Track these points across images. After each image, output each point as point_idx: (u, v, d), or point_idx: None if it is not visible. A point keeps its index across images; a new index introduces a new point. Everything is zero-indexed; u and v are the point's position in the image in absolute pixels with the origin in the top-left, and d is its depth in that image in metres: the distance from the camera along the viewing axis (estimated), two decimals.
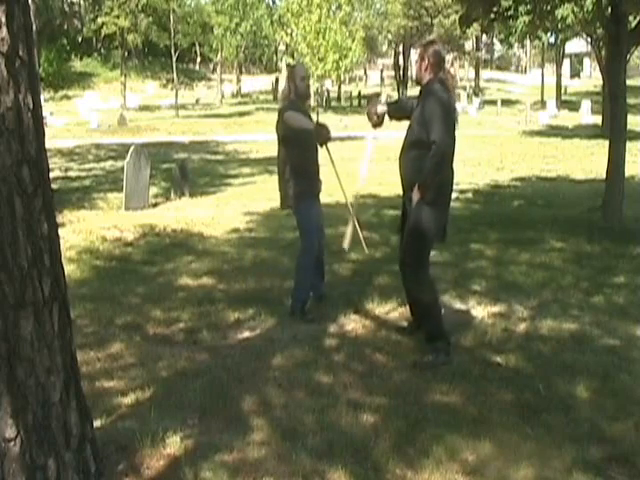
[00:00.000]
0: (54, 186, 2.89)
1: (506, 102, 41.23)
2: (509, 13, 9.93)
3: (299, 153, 4.94)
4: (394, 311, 5.09)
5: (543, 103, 39.70)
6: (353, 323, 4.86)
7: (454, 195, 11.37)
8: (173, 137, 25.63)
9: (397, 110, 4.55)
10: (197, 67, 57.54)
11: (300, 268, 5.09)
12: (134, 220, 8.89)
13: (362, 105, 41.54)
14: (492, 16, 9.64)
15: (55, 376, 2.52)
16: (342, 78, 41.49)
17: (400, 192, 4.46)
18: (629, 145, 9.04)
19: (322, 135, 4.63)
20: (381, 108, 4.51)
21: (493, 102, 40.92)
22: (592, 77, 56.50)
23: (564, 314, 5.03)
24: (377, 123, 4.57)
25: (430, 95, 4.16)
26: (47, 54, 44.95)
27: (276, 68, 53.52)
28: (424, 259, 4.26)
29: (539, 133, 27.10)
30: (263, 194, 11.56)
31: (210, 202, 10.82)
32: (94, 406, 3.12)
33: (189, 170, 11.94)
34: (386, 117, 4.58)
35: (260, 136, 25.47)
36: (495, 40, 54.85)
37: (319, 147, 4.91)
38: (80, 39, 49.82)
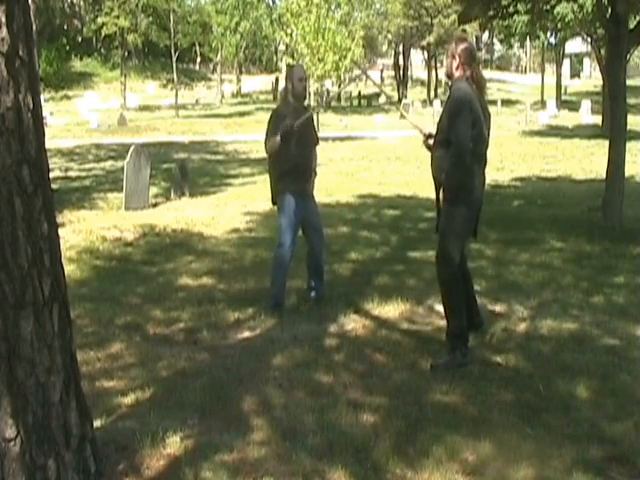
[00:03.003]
0: (54, 186, 2.89)
1: (506, 102, 41.23)
2: (508, 11, 9.93)
3: (281, 151, 5.10)
4: (394, 311, 5.09)
5: (543, 103, 39.71)
6: (353, 323, 4.86)
7: None
8: (173, 137, 25.64)
9: None
10: (197, 67, 57.52)
11: (274, 263, 5.27)
12: (134, 220, 8.89)
13: (362, 105, 41.57)
14: (491, 13, 9.63)
15: (55, 376, 2.52)
16: (342, 78, 41.51)
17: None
18: (629, 145, 9.04)
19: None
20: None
21: (493, 102, 40.86)
22: (592, 77, 56.52)
23: (564, 314, 5.03)
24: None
25: (453, 93, 4.15)
26: (47, 54, 44.95)
27: (276, 68, 53.54)
28: (451, 258, 4.18)
29: (539, 133, 27.11)
30: (263, 194, 11.51)
31: (210, 202, 10.82)
32: (94, 406, 3.12)
33: (189, 170, 11.95)
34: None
35: (260, 136, 25.39)
36: (495, 40, 54.89)
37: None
38: (80, 39, 49.83)
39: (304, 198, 5.21)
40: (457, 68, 4.16)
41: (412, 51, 49.83)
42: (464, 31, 39.25)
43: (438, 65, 50.71)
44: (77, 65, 52.03)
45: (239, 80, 51.89)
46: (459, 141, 3.98)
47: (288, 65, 40.94)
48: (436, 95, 46.54)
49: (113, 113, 33.12)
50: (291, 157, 5.07)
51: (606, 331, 4.68)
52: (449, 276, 4.21)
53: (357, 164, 15.94)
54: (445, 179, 4.09)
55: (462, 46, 4.18)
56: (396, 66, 48.23)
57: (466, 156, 4.00)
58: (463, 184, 4.08)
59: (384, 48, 58.30)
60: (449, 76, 4.26)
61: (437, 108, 36.78)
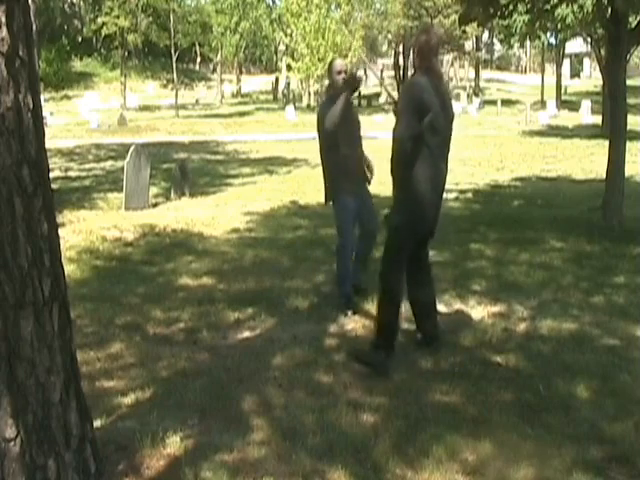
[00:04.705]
0: (54, 186, 2.89)
1: (506, 102, 41.23)
2: (508, 11, 9.92)
3: (335, 150, 5.07)
4: None
5: (543, 103, 39.70)
6: (353, 323, 4.86)
7: (453, 195, 11.44)
8: (173, 137, 25.62)
9: None
10: (197, 67, 57.52)
11: (338, 262, 5.26)
12: (134, 220, 8.89)
13: (362, 105, 41.55)
14: (491, 12, 9.63)
15: (55, 376, 2.52)
16: None
17: None
18: (629, 145, 9.03)
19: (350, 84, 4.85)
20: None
21: (493, 102, 40.92)
22: (592, 77, 56.50)
23: (564, 314, 5.03)
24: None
25: (404, 87, 4.12)
26: (47, 54, 44.92)
27: (276, 68, 53.52)
28: (395, 258, 4.11)
29: (539, 133, 27.10)
30: (263, 194, 11.57)
31: (210, 202, 10.81)
32: (94, 406, 3.12)
33: (189, 170, 11.94)
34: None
35: (260, 136, 25.48)
36: (495, 40, 54.88)
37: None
38: (80, 39, 49.84)
39: (358, 196, 5.17)
40: (415, 61, 4.12)
41: (412, 51, 49.78)
42: (464, 31, 39.25)
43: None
44: (77, 65, 52.02)
45: (239, 80, 51.89)
46: (401, 138, 3.96)
47: (288, 65, 40.87)
48: None
49: (113, 113, 33.12)
50: (342, 156, 5.06)
51: (606, 331, 4.68)
52: (389, 282, 4.09)
53: None
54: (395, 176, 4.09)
55: (421, 39, 4.13)
56: (396, 66, 48.19)
57: (404, 151, 3.96)
58: (421, 182, 4.00)
59: (384, 48, 58.30)
60: (414, 68, 4.24)
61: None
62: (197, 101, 45.00)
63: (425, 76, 4.06)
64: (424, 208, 4.09)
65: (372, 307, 5.14)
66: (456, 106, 38.90)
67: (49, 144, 3.20)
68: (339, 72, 5.08)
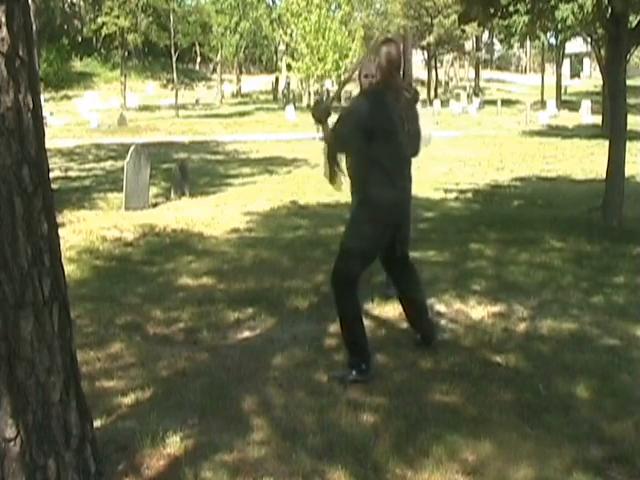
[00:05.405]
0: (54, 186, 2.89)
1: (506, 102, 41.26)
2: (508, 10, 9.93)
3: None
4: (394, 311, 5.09)
5: (543, 103, 39.73)
6: None
7: (453, 195, 11.42)
8: (173, 137, 25.63)
9: None
10: (197, 67, 57.53)
11: None
12: (134, 220, 8.89)
13: None
14: (491, 11, 9.64)
15: (55, 376, 2.52)
16: (342, 78, 41.56)
17: None
18: (629, 145, 9.04)
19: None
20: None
21: (493, 102, 40.95)
22: (592, 77, 56.53)
23: (564, 314, 5.03)
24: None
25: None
26: (47, 54, 44.95)
27: (276, 68, 53.54)
28: (347, 270, 3.95)
29: (539, 133, 27.12)
30: (263, 194, 11.57)
31: (210, 202, 10.82)
32: (94, 406, 3.12)
33: (189, 170, 11.95)
34: None
35: (260, 136, 25.49)
36: (495, 40, 54.89)
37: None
38: (80, 39, 49.85)
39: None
40: (377, 72, 4.01)
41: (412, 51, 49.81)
42: (463, 31, 39.26)
43: (438, 65, 50.73)
44: (77, 65, 52.04)
45: (239, 80, 51.89)
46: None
47: (288, 65, 40.80)
48: (436, 95, 46.54)
49: (113, 113, 33.12)
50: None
51: (606, 331, 4.68)
52: (341, 292, 3.96)
53: None
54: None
55: (382, 50, 3.98)
56: None
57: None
58: (376, 199, 3.92)
59: None
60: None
61: (437, 108, 36.89)
62: (197, 101, 45.00)
63: (381, 91, 3.98)
64: (377, 230, 3.94)
65: (372, 307, 5.15)
66: (456, 106, 39.00)
67: (49, 144, 3.20)
68: (365, 76, 5.04)
